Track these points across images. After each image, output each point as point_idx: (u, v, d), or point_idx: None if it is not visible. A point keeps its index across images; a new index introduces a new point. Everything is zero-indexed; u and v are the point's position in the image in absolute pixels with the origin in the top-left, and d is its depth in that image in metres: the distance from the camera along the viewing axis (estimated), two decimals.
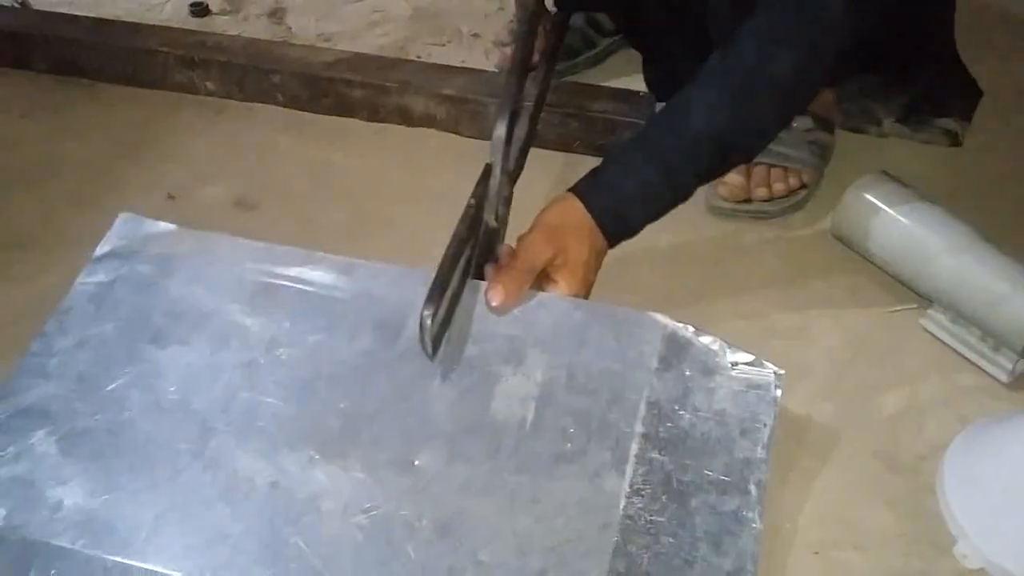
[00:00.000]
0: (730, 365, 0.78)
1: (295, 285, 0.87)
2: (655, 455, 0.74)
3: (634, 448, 0.74)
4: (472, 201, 0.81)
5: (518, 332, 0.81)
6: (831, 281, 1.02)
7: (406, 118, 1.25)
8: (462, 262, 0.80)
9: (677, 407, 0.76)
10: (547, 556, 0.70)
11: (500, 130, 0.81)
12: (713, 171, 0.91)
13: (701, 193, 1.09)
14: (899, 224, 0.97)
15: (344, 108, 1.26)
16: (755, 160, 1.07)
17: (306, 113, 1.27)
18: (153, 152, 1.22)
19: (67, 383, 0.82)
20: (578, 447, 0.75)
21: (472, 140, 1.22)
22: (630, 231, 0.86)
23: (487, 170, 0.82)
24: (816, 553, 0.79)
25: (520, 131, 0.88)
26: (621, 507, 0.72)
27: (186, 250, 0.91)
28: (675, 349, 0.79)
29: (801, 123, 1.09)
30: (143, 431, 0.79)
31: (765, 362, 0.78)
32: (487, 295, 0.80)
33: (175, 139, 1.24)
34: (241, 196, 1.15)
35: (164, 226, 0.93)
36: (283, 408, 0.79)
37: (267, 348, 0.83)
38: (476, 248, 0.82)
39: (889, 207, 0.98)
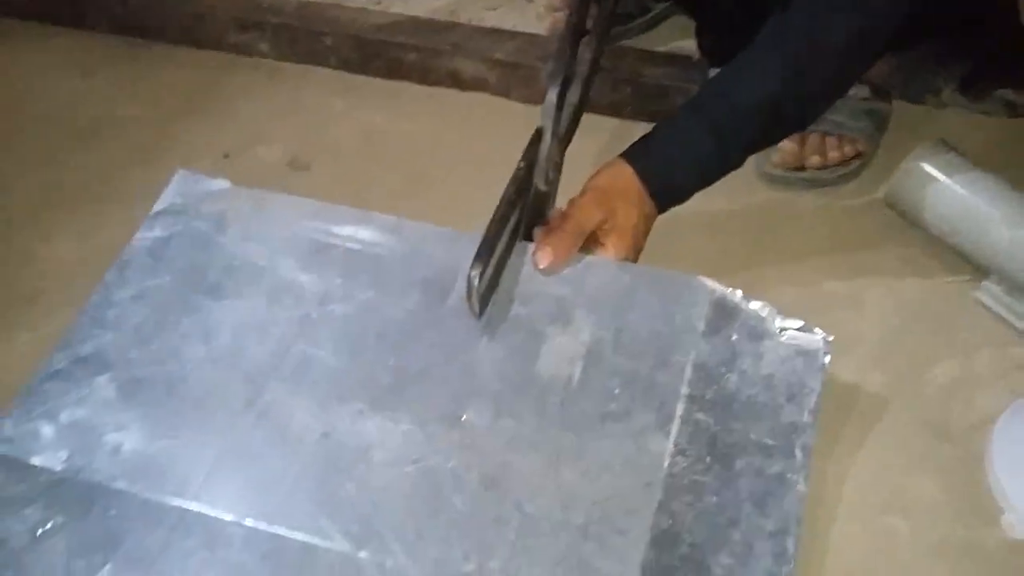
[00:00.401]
0: (778, 331, 0.78)
1: (347, 244, 0.88)
2: (700, 416, 0.74)
3: (679, 409, 0.75)
4: (522, 164, 0.81)
5: (566, 293, 0.81)
6: (884, 251, 1.01)
7: (457, 82, 1.25)
8: (510, 224, 0.80)
9: (723, 370, 0.76)
10: (591, 511, 0.71)
11: (552, 95, 0.81)
12: (766, 139, 0.90)
13: (753, 160, 1.09)
14: (956, 194, 0.95)
15: (396, 71, 1.27)
16: (810, 128, 1.06)
17: (358, 76, 1.28)
18: (209, 112, 1.24)
19: (125, 333, 0.84)
20: (623, 407, 0.75)
21: (523, 105, 1.22)
22: (680, 197, 0.86)
23: (538, 134, 0.82)
24: (861, 521, 0.79)
25: (572, 96, 0.87)
26: (665, 466, 0.72)
27: (241, 207, 0.93)
28: (723, 313, 0.79)
29: (858, 92, 1.07)
30: (199, 381, 0.81)
31: (814, 328, 0.77)
32: (535, 256, 0.80)
33: (230, 100, 1.26)
34: (294, 157, 1.17)
35: (220, 183, 0.94)
36: (334, 362, 0.81)
37: (320, 303, 0.85)
38: (525, 211, 0.83)
39: (946, 177, 0.96)
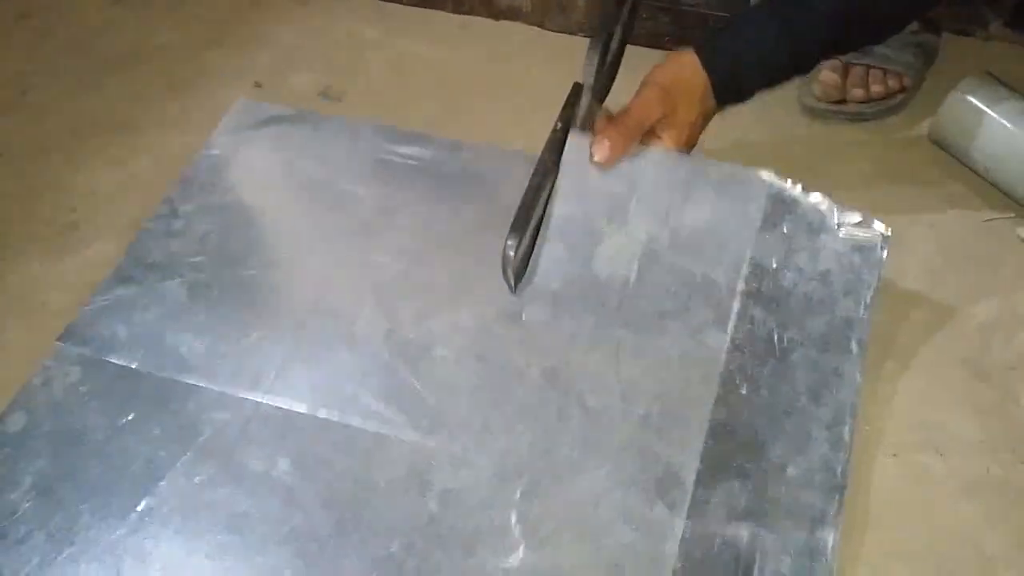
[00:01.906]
0: (836, 225, 0.77)
1: (407, 161, 0.91)
2: (757, 312, 0.75)
3: (736, 305, 0.75)
4: (559, 125, 0.79)
5: (622, 189, 0.80)
6: (927, 187, 0.99)
7: (491, 11, 1.23)
8: (545, 193, 0.79)
9: (780, 266, 0.76)
10: (651, 404, 0.73)
11: (594, 53, 0.77)
12: (839, 47, 0.88)
13: (795, 92, 1.06)
14: (1003, 128, 0.93)
15: None
16: (853, 59, 1.03)
17: (391, 4, 1.26)
18: (240, 41, 1.22)
19: (192, 242, 0.87)
20: (681, 304, 0.76)
21: (557, 34, 1.20)
22: (742, 96, 0.84)
23: (576, 90, 0.79)
24: (895, 456, 0.78)
25: (612, 46, 0.85)
26: (723, 360, 0.73)
27: (301, 129, 0.96)
28: (780, 207, 0.78)
29: None
30: (266, 285, 0.84)
31: (874, 220, 0.76)
32: (593, 149, 0.78)
33: (262, 27, 1.24)
34: (327, 86, 1.15)
35: (281, 108, 0.97)
36: (396, 266, 0.84)
37: (381, 213, 0.88)
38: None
39: (993, 110, 0.94)
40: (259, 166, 0.93)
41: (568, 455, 0.71)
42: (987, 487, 0.77)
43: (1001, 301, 0.89)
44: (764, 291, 0.76)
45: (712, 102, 0.82)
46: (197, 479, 0.72)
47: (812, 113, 1.06)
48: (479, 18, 1.23)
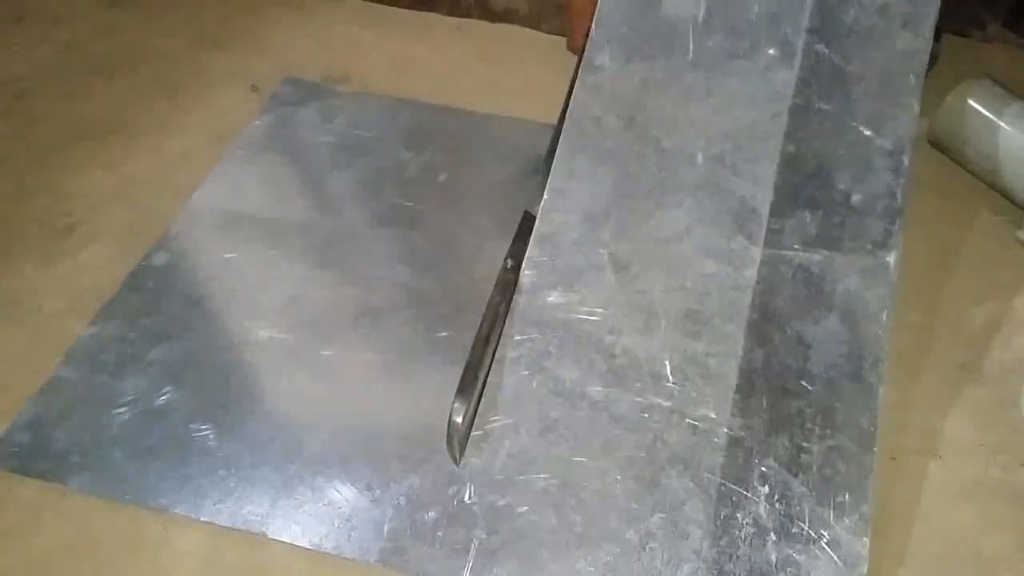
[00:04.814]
0: None
1: (443, 129, 1.02)
2: (820, 48, 0.78)
3: (801, 42, 0.78)
4: (509, 263, 0.78)
5: None
6: (925, 189, 0.98)
7: (487, 13, 1.23)
8: (493, 345, 0.76)
9: (842, 1, 0.79)
10: (723, 142, 0.77)
11: (544, 181, 0.79)
12: None
13: None
14: (1001, 131, 0.93)
15: (425, 2, 1.25)
16: None
17: (388, 7, 1.26)
18: (237, 44, 1.22)
19: (251, 193, 0.98)
20: (748, 44, 0.79)
21: (553, 36, 1.20)
22: None
23: (526, 221, 0.79)
24: (894, 459, 0.78)
25: None
26: (790, 96, 0.77)
27: (344, 103, 1.06)
28: None
29: None
30: (317, 227, 0.94)
31: None
32: None
33: (259, 31, 1.24)
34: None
35: (325, 86, 1.09)
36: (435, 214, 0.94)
37: (423, 171, 0.97)
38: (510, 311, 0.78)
39: (991, 113, 0.93)
40: (307, 132, 1.06)
41: (648, 194, 0.76)
42: (985, 490, 0.77)
43: (1000, 304, 0.89)
44: (827, 27, 0.79)
45: None
46: None
47: None
48: (475, 20, 1.23)
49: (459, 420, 0.71)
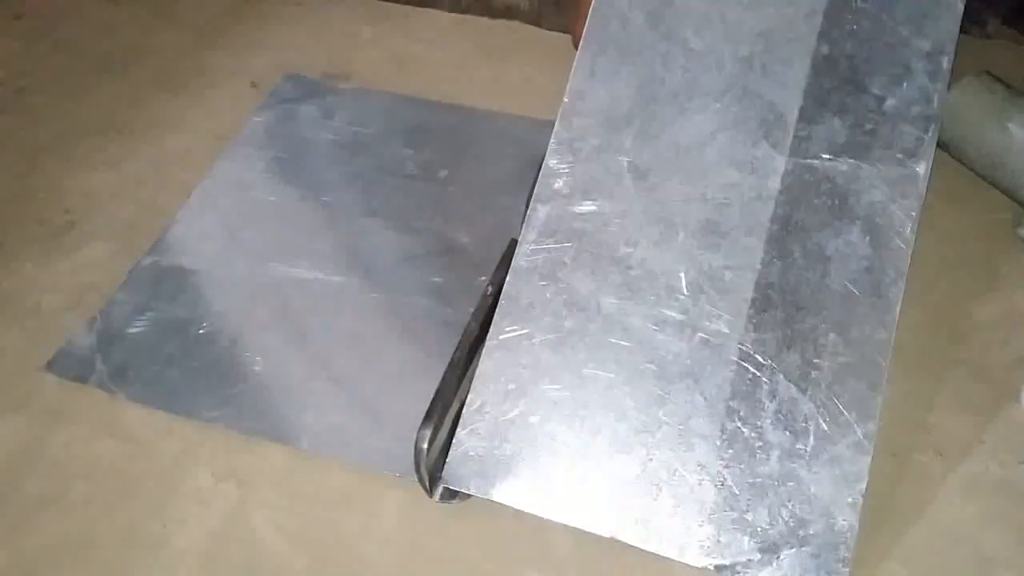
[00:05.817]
0: None
1: (444, 126, 1.02)
2: None
3: None
4: (489, 289, 0.77)
5: None
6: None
7: (488, 9, 1.22)
8: (469, 369, 0.75)
9: None
10: (755, 42, 0.74)
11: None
12: None
13: None
14: (1002, 129, 0.92)
15: None
16: None
17: (387, 3, 1.26)
18: (236, 41, 1.22)
19: (259, 177, 0.99)
20: None
21: (554, 33, 1.19)
22: None
23: (510, 249, 0.77)
24: (895, 456, 0.78)
25: None
26: None
27: (344, 99, 1.06)
28: None
29: None
30: (308, 217, 0.96)
31: None
32: None
33: (258, 28, 1.24)
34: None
35: (325, 83, 1.08)
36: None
37: (423, 169, 0.97)
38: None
39: (992, 110, 0.93)
40: (308, 129, 1.05)
41: (674, 99, 0.74)
42: (986, 487, 0.76)
43: (1000, 301, 0.89)
44: None
45: None
46: None
47: None
48: (476, 17, 1.23)
49: (424, 447, 0.69)
